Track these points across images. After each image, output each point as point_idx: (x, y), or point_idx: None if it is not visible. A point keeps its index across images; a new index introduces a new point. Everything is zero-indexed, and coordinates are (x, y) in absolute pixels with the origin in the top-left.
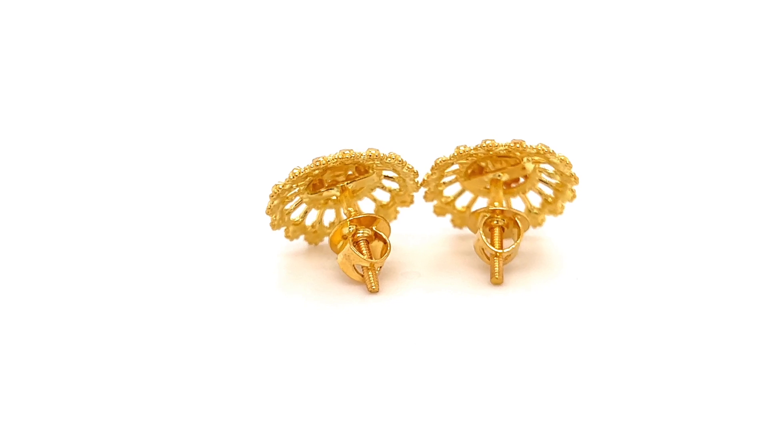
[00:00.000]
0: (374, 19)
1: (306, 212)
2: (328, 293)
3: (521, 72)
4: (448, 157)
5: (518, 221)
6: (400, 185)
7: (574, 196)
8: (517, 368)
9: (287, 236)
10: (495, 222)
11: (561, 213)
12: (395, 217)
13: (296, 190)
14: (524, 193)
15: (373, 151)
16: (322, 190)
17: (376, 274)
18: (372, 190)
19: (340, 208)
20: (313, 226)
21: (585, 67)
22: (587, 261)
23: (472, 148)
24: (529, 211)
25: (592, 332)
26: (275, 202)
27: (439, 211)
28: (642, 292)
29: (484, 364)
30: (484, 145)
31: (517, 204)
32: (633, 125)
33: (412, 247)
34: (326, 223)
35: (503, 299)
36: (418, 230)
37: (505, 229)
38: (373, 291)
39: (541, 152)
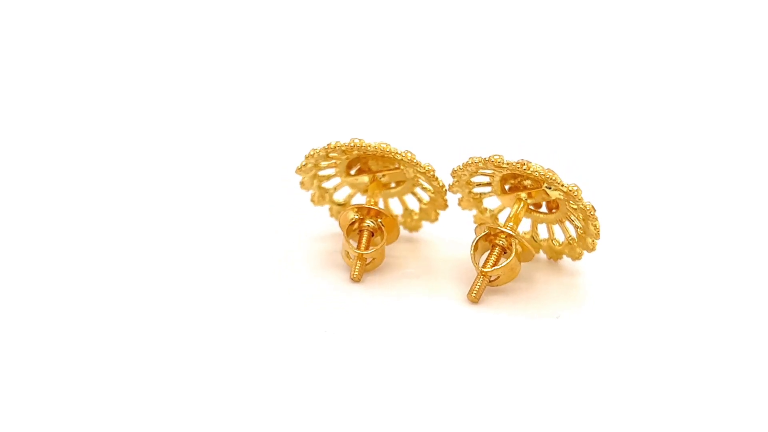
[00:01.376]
0: (406, 29)
1: (351, 195)
2: (319, 278)
3: (561, 92)
4: (461, 166)
5: (514, 245)
6: (432, 187)
7: (597, 233)
8: (449, 386)
9: (332, 215)
10: (498, 241)
11: (593, 249)
12: (435, 219)
13: (331, 171)
14: (561, 222)
15: (384, 145)
16: (360, 175)
17: (363, 264)
18: (414, 187)
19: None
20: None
21: (618, 89)
22: (588, 303)
23: (480, 160)
24: (569, 242)
25: (541, 375)
26: (305, 178)
27: (480, 222)
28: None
29: (417, 372)
30: (492, 159)
31: (559, 233)
32: (659, 161)
33: (432, 250)
34: None
35: (470, 317)
36: (450, 235)
37: (507, 250)
38: (354, 280)
39: (544, 178)
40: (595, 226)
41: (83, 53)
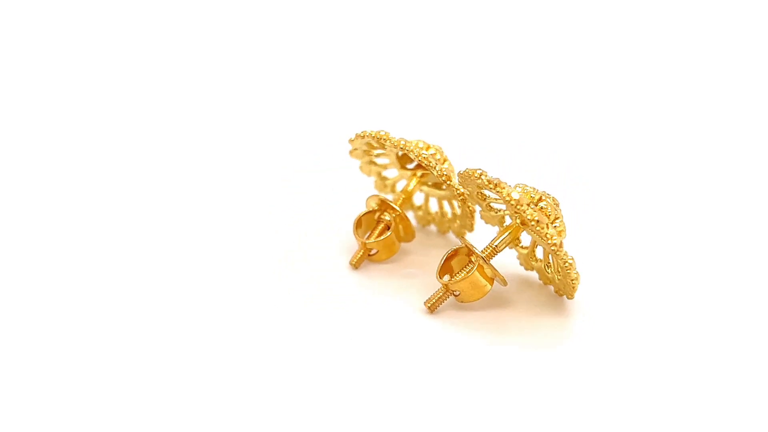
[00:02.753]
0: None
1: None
2: (319, 278)
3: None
4: (460, 176)
5: (476, 263)
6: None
7: (565, 265)
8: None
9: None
10: (473, 258)
11: (571, 288)
12: (471, 227)
13: (386, 161)
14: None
15: (403, 142)
16: (413, 168)
17: (365, 253)
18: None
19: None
20: (419, 207)
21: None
22: (545, 342)
23: (468, 172)
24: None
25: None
26: (361, 163)
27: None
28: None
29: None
30: (471, 173)
31: None
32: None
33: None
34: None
35: (426, 327)
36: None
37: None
38: (352, 265)
39: (505, 201)
40: (564, 260)
41: (84, 54)
